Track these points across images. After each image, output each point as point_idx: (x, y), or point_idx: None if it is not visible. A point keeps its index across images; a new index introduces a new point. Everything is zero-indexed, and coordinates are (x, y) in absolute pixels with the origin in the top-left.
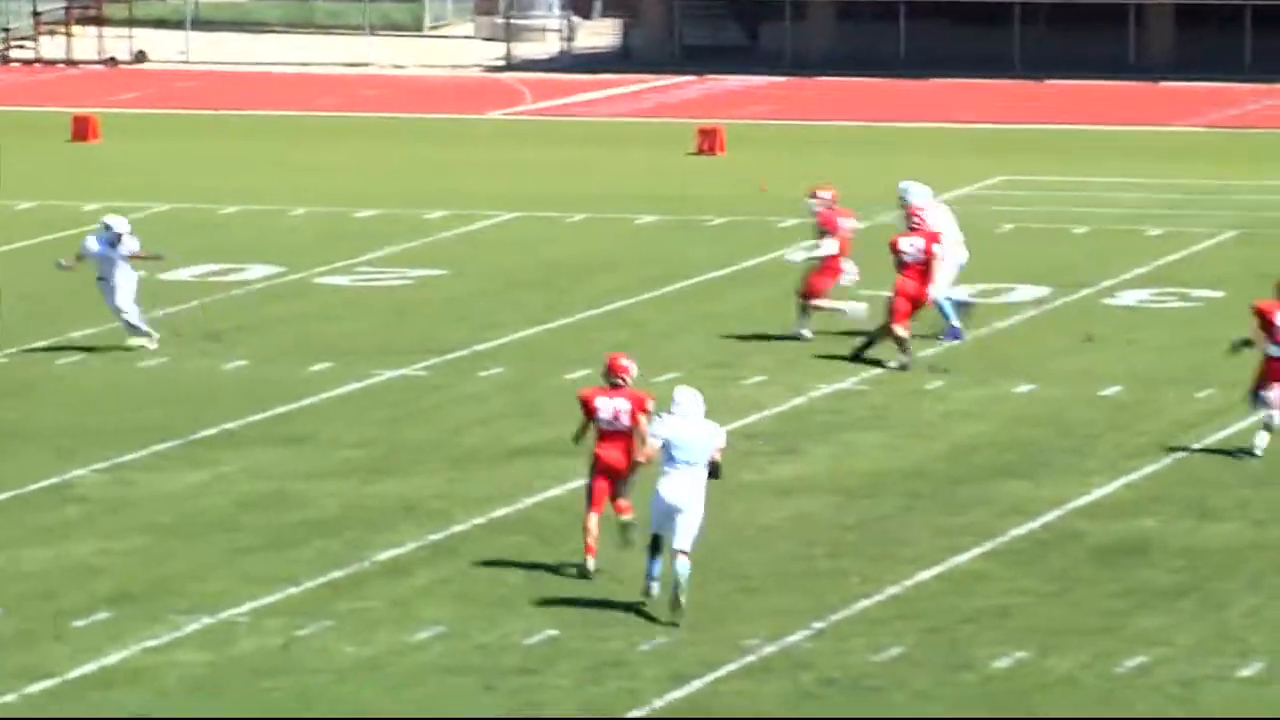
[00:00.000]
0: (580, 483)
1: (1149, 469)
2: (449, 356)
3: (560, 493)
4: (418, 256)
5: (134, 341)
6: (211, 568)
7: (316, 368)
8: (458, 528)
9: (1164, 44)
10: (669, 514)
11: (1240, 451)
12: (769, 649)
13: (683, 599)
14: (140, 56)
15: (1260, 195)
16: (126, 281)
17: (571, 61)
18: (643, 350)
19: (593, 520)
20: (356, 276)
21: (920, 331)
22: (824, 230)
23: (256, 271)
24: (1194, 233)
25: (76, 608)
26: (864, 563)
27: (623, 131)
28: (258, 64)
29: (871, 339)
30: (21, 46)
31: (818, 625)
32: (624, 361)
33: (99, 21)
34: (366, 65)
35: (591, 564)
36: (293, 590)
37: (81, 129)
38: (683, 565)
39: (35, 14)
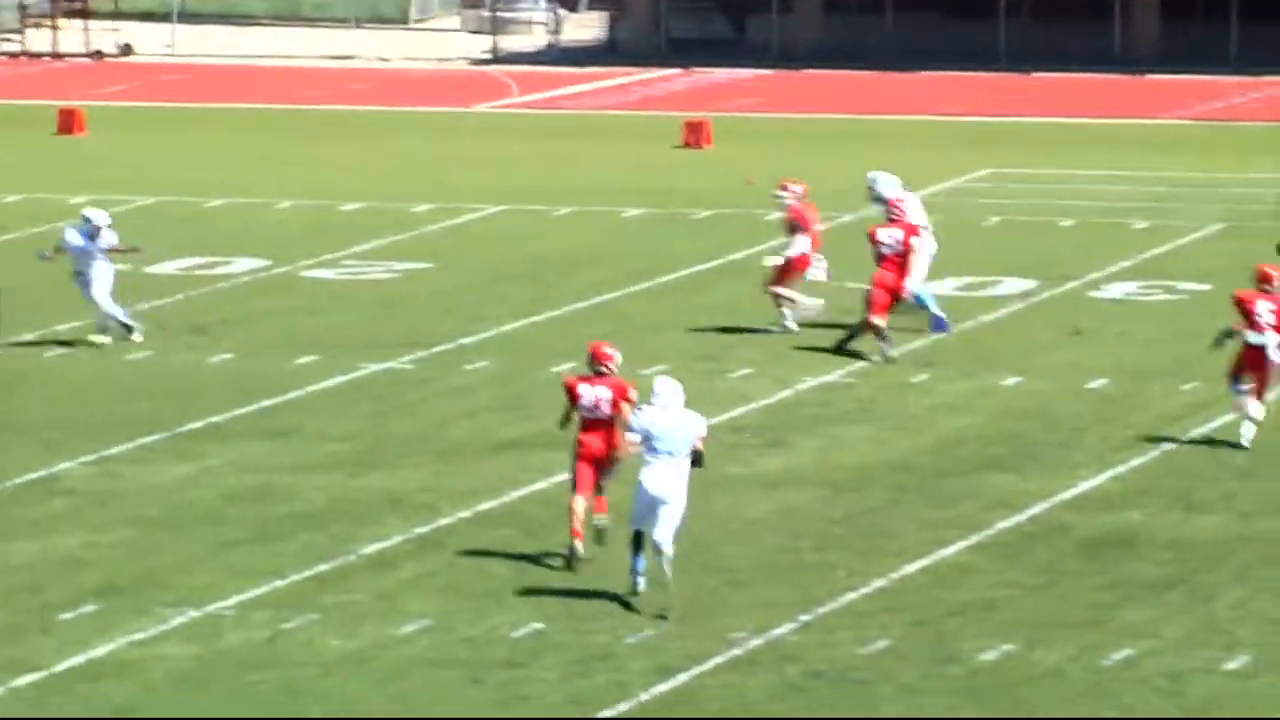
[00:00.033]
0: (566, 476)
1: (1136, 461)
2: (435, 350)
3: (546, 486)
4: (404, 250)
5: (97, 339)
6: (198, 561)
7: (302, 361)
8: (444, 521)
9: (1149, 37)
10: (652, 505)
11: (1227, 444)
12: (755, 642)
13: (667, 569)
14: (126, 49)
15: (1246, 188)
16: (103, 276)
17: (558, 54)
18: (629, 343)
19: (579, 503)
20: (342, 270)
21: (910, 326)
22: (795, 225)
23: (242, 265)
24: (1180, 225)
25: (63, 600)
26: (850, 556)
27: (609, 124)
28: (244, 57)
29: (853, 332)
30: (7, 39)
31: (804, 618)
32: (607, 349)
33: (85, 14)
34: (352, 58)
35: (580, 547)
36: (279, 583)
37: (67, 122)
38: (667, 551)
39: (21, 6)
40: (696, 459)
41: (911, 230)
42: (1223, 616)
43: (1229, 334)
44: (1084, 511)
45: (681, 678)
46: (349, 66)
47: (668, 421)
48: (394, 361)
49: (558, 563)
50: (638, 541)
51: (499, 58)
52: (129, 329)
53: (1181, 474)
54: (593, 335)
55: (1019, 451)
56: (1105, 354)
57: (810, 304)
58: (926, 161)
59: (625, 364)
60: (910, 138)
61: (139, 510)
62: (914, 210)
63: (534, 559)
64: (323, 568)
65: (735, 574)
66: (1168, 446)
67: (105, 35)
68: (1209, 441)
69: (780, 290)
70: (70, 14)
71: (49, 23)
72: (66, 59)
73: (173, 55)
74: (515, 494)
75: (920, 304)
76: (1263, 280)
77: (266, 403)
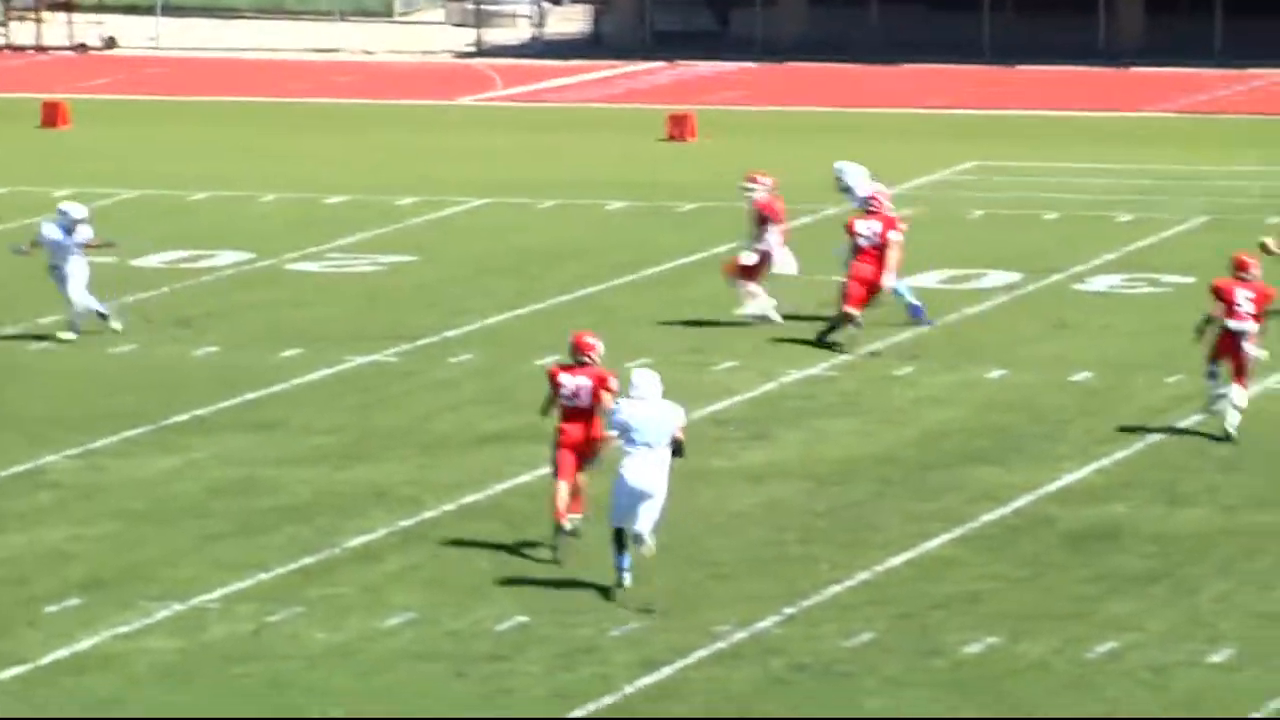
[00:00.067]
0: (548, 469)
1: (1120, 454)
2: (420, 343)
3: (530, 479)
4: (388, 242)
5: (64, 335)
6: (183, 554)
7: (287, 354)
8: (428, 514)
9: (1134, 29)
10: (633, 497)
11: (1214, 437)
12: (740, 635)
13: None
14: (110, 42)
15: (1230, 181)
16: (79, 271)
17: (542, 47)
18: (613, 336)
19: (562, 487)
20: (327, 262)
21: (891, 320)
22: (764, 217)
23: (227, 258)
24: (1164, 218)
25: (48, 594)
26: (835, 549)
27: (593, 117)
28: (228, 50)
29: (834, 324)
30: None
31: (789, 611)
32: (589, 339)
33: (69, 7)
34: (337, 51)
35: (567, 524)
36: (263, 576)
37: (51, 115)
38: (648, 542)
39: (4, 0)
40: (677, 449)
41: (890, 223)
42: (1206, 609)
43: (1209, 321)
44: (1068, 504)
45: (665, 671)
46: (333, 59)
47: (645, 413)
48: (378, 354)
49: (542, 555)
50: (619, 538)
51: (483, 51)
52: (105, 317)
53: (1166, 467)
54: (577, 328)
55: (1003, 444)
56: (1089, 347)
57: (762, 305)
58: (911, 154)
59: (609, 357)
60: (895, 130)
61: (124, 503)
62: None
63: (518, 552)
64: (307, 561)
65: (719, 567)
66: (1152, 439)
67: (89, 28)
68: (1193, 434)
69: (737, 280)
70: (54, 7)
71: (33, 16)
72: (50, 52)
73: (157, 48)
74: (499, 487)
75: (898, 296)
76: (1239, 268)
77: (251, 396)
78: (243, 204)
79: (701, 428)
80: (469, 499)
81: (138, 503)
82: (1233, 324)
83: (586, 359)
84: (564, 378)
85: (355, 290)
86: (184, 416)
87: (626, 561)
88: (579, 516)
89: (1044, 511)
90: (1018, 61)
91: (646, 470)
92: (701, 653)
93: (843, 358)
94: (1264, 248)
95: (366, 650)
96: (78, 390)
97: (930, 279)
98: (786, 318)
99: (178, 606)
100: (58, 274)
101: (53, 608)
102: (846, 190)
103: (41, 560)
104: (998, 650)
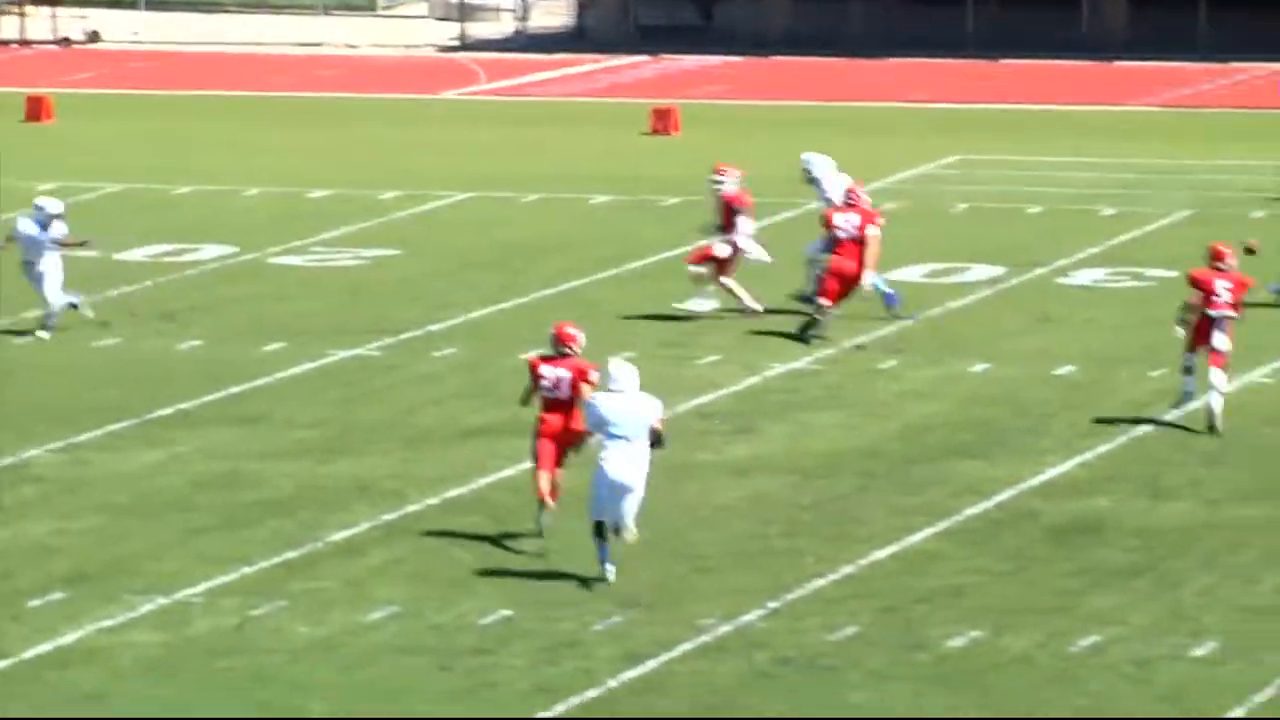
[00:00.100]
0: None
1: (1103, 448)
2: (403, 336)
3: (514, 473)
4: (372, 236)
5: (41, 334)
6: (166, 548)
7: (271, 348)
8: (412, 508)
9: (1117, 23)
10: (612, 491)
11: (1192, 430)
12: (724, 628)
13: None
14: (94, 36)
15: (1214, 175)
16: (53, 269)
17: (526, 41)
18: (597, 330)
19: (542, 477)
20: (310, 256)
21: (879, 314)
22: (736, 209)
23: (210, 251)
24: (1148, 212)
25: (32, 588)
26: (819, 542)
27: (577, 111)
28: (211, 44)
29: (814, 317)
30: None
31: (773, 605)
32: (571, 330)
33: (52, 1)
34: (320, 45)
35: (550, 503)
36: (247, 570)
37: (35, 109)
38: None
39: None
40: (656, 440)
41: (868, 217)
42: (1190, 603)
43: (1187, 309)
44: (1052, 498)
45: (650, 665)
46: (317, 53)
47: (622, 406)
48: (362, 348)
49: (525, 548)
50: (600, 531)
51: (467, 44)
52: (75, 307)
53: (1149, 460)
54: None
55: (987, 438)
56: (1073, 341)
57: (704, 305)
58: (895, 148)
59: (593, 352)
60: (878, 124)
61: (108, 497)
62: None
63: (502, 546)
64: (291, 555)
65: (704, 561)
66: (1135, 433)
67: (73, 22)
68: (1177, 428)
69: (698, 269)
70: (38, 1)
71: (16, 10)
72: (34, 46)
73: (140, 42)
74: (483, 481)
75: (876, 290)
76: (1216, 258)
77: (235, 390)
78: (226, 198)
79: (686, 421)
80: (452, 493)
81: (121, 496)
82: (1213, 312)
83: (568, 350)
84: (545, 369)
85: (338, 284)
86: (168, 410)
87: (608, 554)
88: (549, 515)
89: (1027, 505)
90: (1002, 55)
91: (625, 463)
92: (685, 646)
93: (826, 351)
94: (1248, 249)
95: (350, 644)
96: (61, 384)
97: (914, 273)
98: (768, 311)
99: (161, 600)
100: (31, 271)
101: (36, 602)
102: (813, 181)
103: (25, 554)
104: (981, 644)
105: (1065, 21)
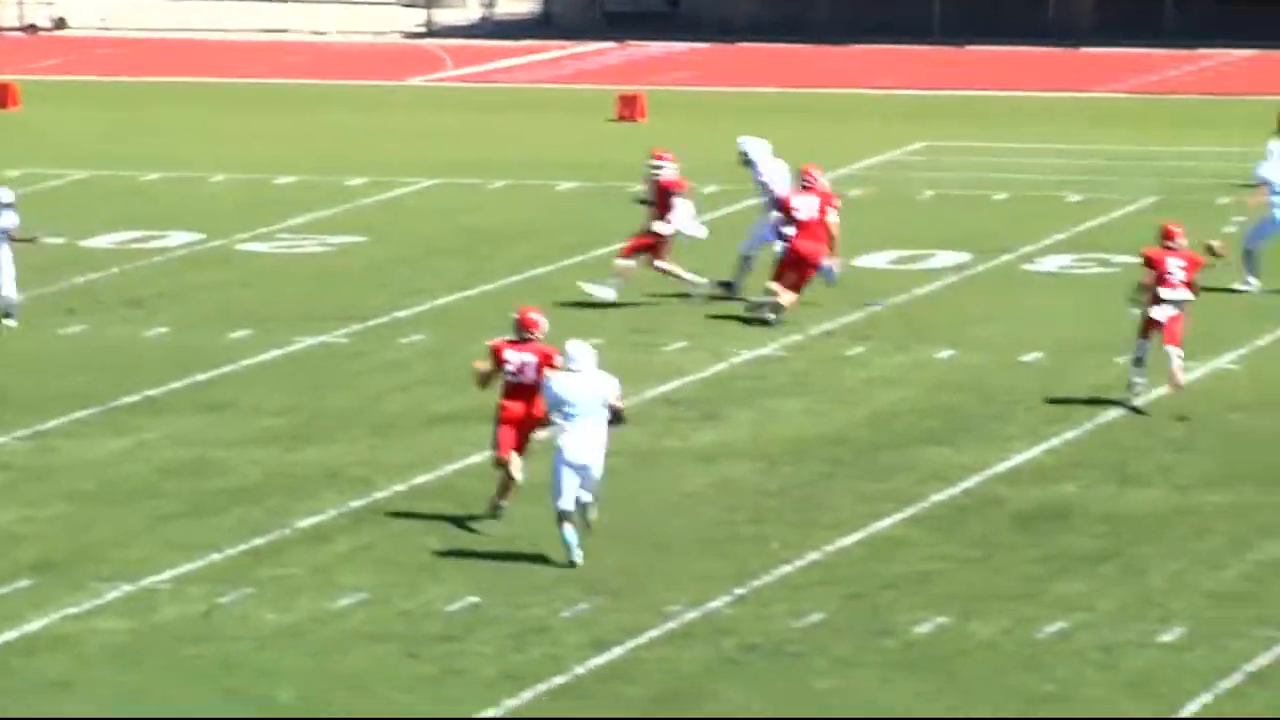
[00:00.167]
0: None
1: (1070, 434)
2: (370, 323)
3: (481, 459)
4: (338, 223)
5: (8, 323)
6: (133, 535)
7: (237, 335)
8: (379, 495)
9: (1084, 9)
10: (572, 470)
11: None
12: (691, 615)
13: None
14: (60, 23)
15: (1180, 161)
16: (7, 262)
17: (492, 28)
18: (563, 316)
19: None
20: (277, 243)
21: (847, 300)
22: (673, 191)
23: (177, 238)
24: (1114, 199)
25: None
26: (785, 529)
27: (543, 98)
28: (178, 31)
29: (763, 301)
30: None
31: (739, 591)
32: (534, 315)
33: None
34: (286, 32)
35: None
36: (214, 557)
37: (1, 96)
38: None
39: None
40: (616, 418)
41: (826, 198)
42: (1157, 589)
43: (1141, 289)
44: (1018, 484)
45: (616, 651)
46: (283, 40)
47: (579, 385)
48: (329, 335)
49: (493, 532)
50: (565, 515)
51: (433, 31)
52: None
53: (1116, 447)
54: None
55: (953, 424)
56: (1039, 327)
57: (605, 293)
58: (861, 134)
59: (560, 337)
60: (845, 111)
61: (74, 485)
62: (782, 178)
63: (470, 531)
64: (258, 541)
65: (670, 547)
66: (1102, 419)
67: (39, 9)
68: (1144, 414)
69: (624, 264)
70: None
71: None
72: (1, 33)
73: (107, 29)
74: (450, 467)
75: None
76: (1167, 237)
77: (201, 377)
78: (193, 184)
79: (652, 408)
80: (420, 479)
81: (88, 484)
82: (1167, 294)
83: (531, 335)
84: (509, 353)
85: (305, 271)
86: (135, 397)
87: (575, 538)
88: (506, 504)
89: (994, 492)
90: (968, 42)
91: (584, 443)
92: (653, 633)
93: (794, 338)
94: (1210, 250)
95: (317, 631)
96: (28, 371)
97: (880, 259)
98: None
99: (128, 587)
100: None
101: (3, 589)
102: (749, 164)
103: None
104: (948, 630)
105: (1032, 8)
